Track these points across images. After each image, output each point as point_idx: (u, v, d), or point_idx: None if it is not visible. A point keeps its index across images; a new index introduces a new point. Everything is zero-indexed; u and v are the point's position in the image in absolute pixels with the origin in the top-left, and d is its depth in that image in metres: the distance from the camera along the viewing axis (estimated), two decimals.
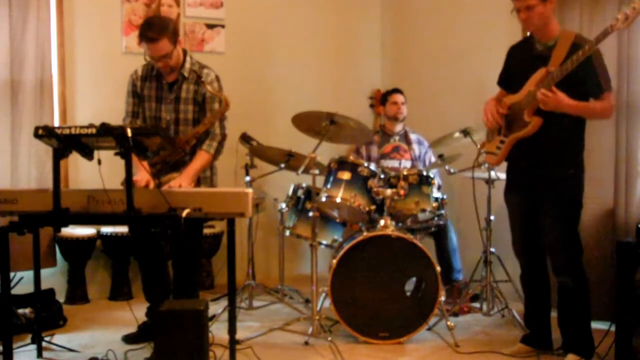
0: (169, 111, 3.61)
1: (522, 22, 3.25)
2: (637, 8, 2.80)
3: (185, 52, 3.61)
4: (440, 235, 4.59)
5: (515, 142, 3.29)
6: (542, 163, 3.24)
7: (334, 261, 3.75)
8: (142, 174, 3.33)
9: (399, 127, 4.94)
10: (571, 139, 3.25)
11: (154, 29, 3.40)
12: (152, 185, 3.26)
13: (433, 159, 4.86)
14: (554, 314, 3.45)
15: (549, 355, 3.40)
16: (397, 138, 4.93)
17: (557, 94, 3.05)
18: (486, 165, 4.06)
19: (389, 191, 3.89)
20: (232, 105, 3.52)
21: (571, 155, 3.26)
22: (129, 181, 2.84)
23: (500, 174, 4.07)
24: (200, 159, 3.52)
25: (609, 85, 3.19)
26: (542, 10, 3.14)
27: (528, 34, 3.38)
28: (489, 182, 4.16)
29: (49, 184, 3.00)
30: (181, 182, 3.35)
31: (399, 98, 4.92)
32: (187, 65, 3.58)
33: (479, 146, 3.61)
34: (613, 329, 3.27)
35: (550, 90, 3.06)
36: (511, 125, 3.32)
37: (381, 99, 5.14)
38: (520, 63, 3.37)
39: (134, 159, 2.96)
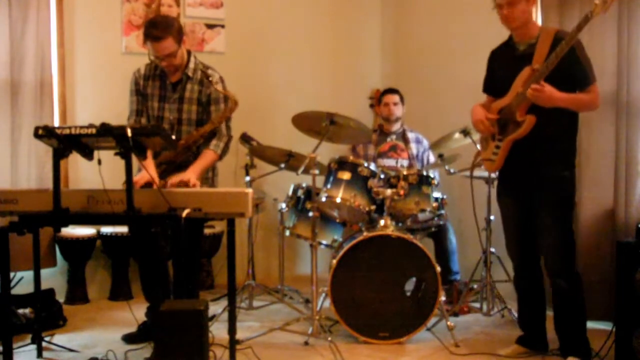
0: (172, 111, 3.61)
1: (504, 19, 3.22)
2: None
3: (189, 52, 3.61)
4: (439, 236, 4.58)
5: (512, 144, 3.27)
6: (538, 163, 3.22)
7: (334, 261, 3.75)
8: (142, 174, 3.33)
9: (396, 127, 4.93)
10: (565, 137, 3.24)
11: (159, 27, 3.40)
12: (156, 182, 3.25)
13: (432, 158, 4.85)
14: (549, 313, 3.45)
15: (547, 356, 3.40)
16: (394, 137, 4.92)
17: (547, 87, 3.05)
18: None
19: (389, 191, 3.89)
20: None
21: (566, 155, 3.25)
22: (129, 181, 2.84)
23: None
24: (207, 157, 3.51)
25: (594, 77, 3.19)
26: (524, 7, 3.15)
27: (508, 36, 3.36)
28: (489, 182, 4.16)
29: (49, 184, 3.00)
30: (190, 177, 3.32)
31: (390, 99, 4.89)
32: (192, 65, 3.58)
33: (474, 156, 3.61)
34: (613, 329, 3.27)
35: (540, 84, 3.06)
36: (504, 129, 3.29)
37: (378, 100, 5.15)
38: (503, 66, 3.35)
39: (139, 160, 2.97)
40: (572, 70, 3.12)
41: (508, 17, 3.19)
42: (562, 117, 3.16)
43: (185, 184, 3.28)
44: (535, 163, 3.23)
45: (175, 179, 3.35)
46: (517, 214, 3.38)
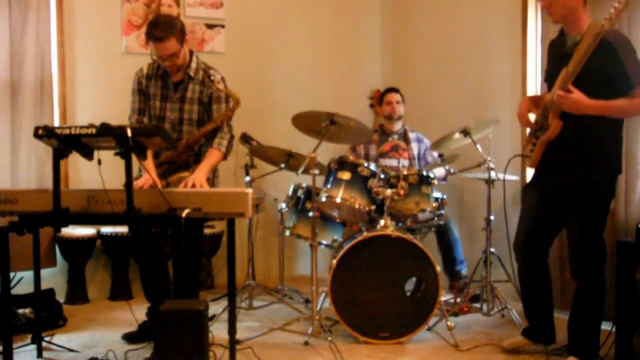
0: (173, 110, 3.61)
1: (546, 11, 3.16)
2: (618, 7, 2.82)
3: (191, 52, 3.61)
4: (441, 229, 4.58)
5: (545, 144, 3.18)
6: (566, 165, 3.13)
7: (334, 261, 3.75)
8: (145, 178, 3.32)
9: (397, 126, 4.94)
10: (599, 140, 3.09)
11: (162, 27, 3.40)
12: (159, 185, 3.25)
13: (434, 155, 4.85)
14: (557, 315, 3.46)
15: (554, 355, 3.39)
16: (395, 137, 4.93)
17: (574, 94, 2.95)
18: (486, 165, 4.07)
19: (389, 191, 3.89)
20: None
21: (598, 158, 3.10)
22: (129, 181, 2.84)
23: (500, 174, 4.06)
24: (213, 156, 3.51)
25: (638, 80, 2.98)
26: (563, 0, 3.04)
27: (560, 28, 3.26)
28: (489, 182, 4.16)
29: (49, 184, 3.00)
30: (195, 181, 3.33)
31: (392, 97, 4.92)
32: (194, 65, 3.59)
33: (523, 146, 3.51)
34: (613, 329, 3.27)
35: (567, 90, 2.97)
36: (543, 126, 3.20)
37: (379, 99, 5.15)
38: (553, 60, 3.27)
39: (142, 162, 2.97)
40: (612, 74, 2.97)
41: (547, 10, 3.12)
42: (596, 121, 3.03)
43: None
44: (564, 165, 3.14)
45: (186, 182, 3.34)
46: (539, 208, 3.33)
